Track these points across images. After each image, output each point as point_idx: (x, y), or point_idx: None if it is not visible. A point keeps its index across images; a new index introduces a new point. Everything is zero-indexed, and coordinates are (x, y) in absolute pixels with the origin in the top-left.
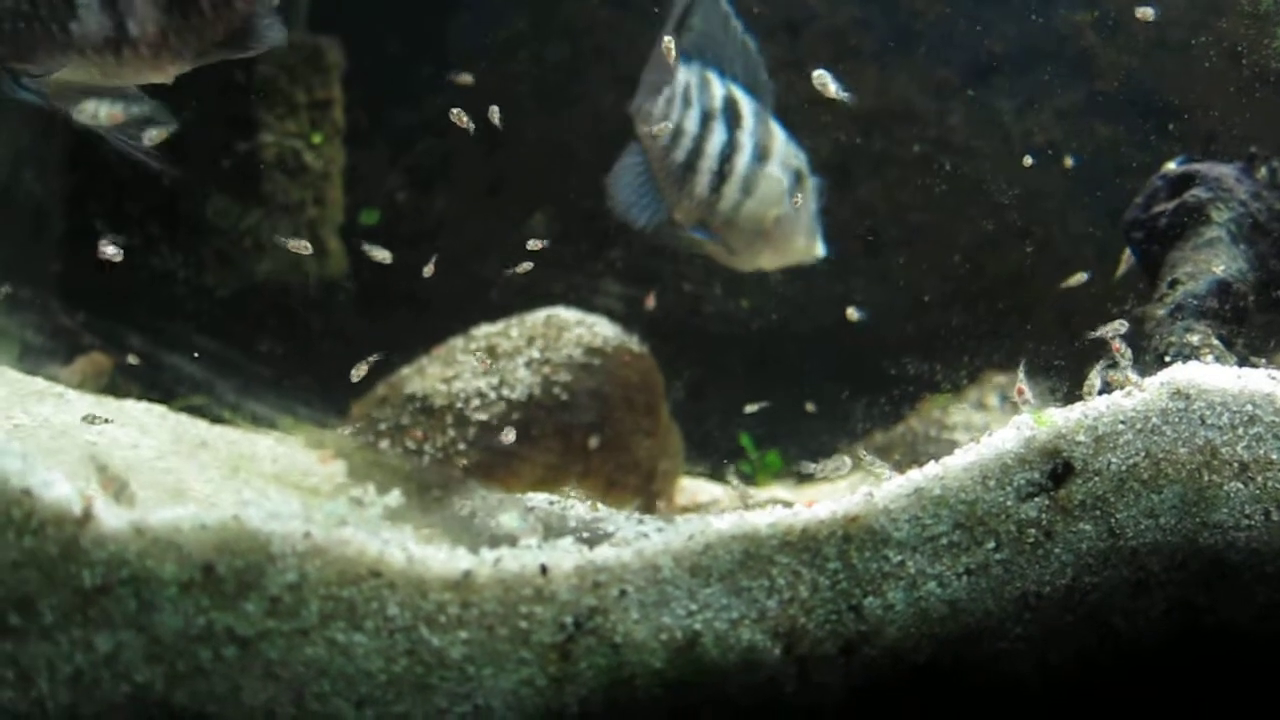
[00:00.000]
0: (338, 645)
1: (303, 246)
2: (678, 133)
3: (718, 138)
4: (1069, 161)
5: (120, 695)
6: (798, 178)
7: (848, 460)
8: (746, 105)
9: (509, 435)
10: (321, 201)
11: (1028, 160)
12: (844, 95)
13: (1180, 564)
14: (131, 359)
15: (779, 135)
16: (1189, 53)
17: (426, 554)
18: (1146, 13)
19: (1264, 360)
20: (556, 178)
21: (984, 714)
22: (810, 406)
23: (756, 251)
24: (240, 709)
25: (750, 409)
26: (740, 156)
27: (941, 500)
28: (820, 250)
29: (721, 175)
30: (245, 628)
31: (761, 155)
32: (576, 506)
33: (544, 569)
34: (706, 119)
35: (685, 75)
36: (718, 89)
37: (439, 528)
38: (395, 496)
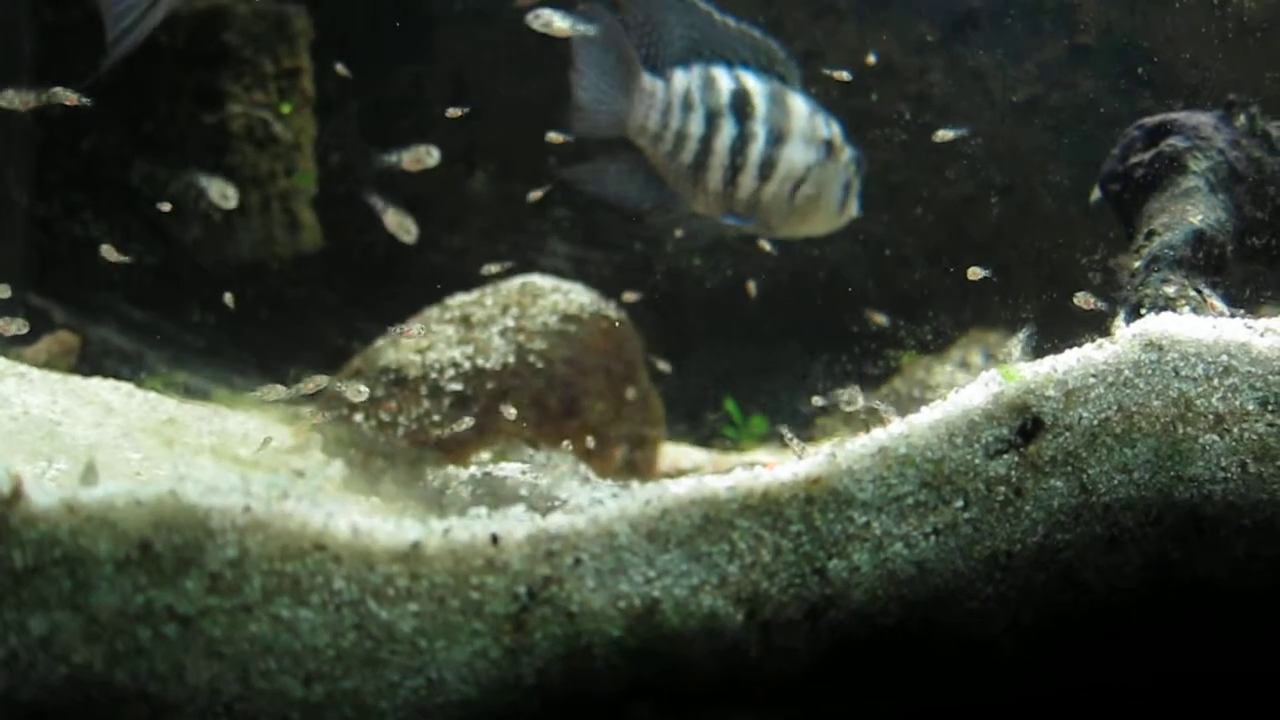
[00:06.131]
0: (282, 621)
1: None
2: (682, 136)
3: (727, 133)
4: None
5: (59, 677)
6: (829, 149)
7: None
8: (760, 93)
9: (465, 423)
10: (293, 173)
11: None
12: (580, 29)
13: (1155, 519)
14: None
15: (802, 112)
16: (1168, 2)
17: (373, 526)
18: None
19: (1242, 310)
20: (531, 143)
21: (955, 675)
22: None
23: (792, 224)
24: (184, 688)
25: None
26: (754, 145)
27: (907, 459)
28: (854, 212)
29: (735, 166)
30: (185, 605)
31: (778, 138)
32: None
33: (495, 538)
34: (712, 117)
35: (684, 80)
36: (725, 84)
37: (413, 500)
38: (338, 467)
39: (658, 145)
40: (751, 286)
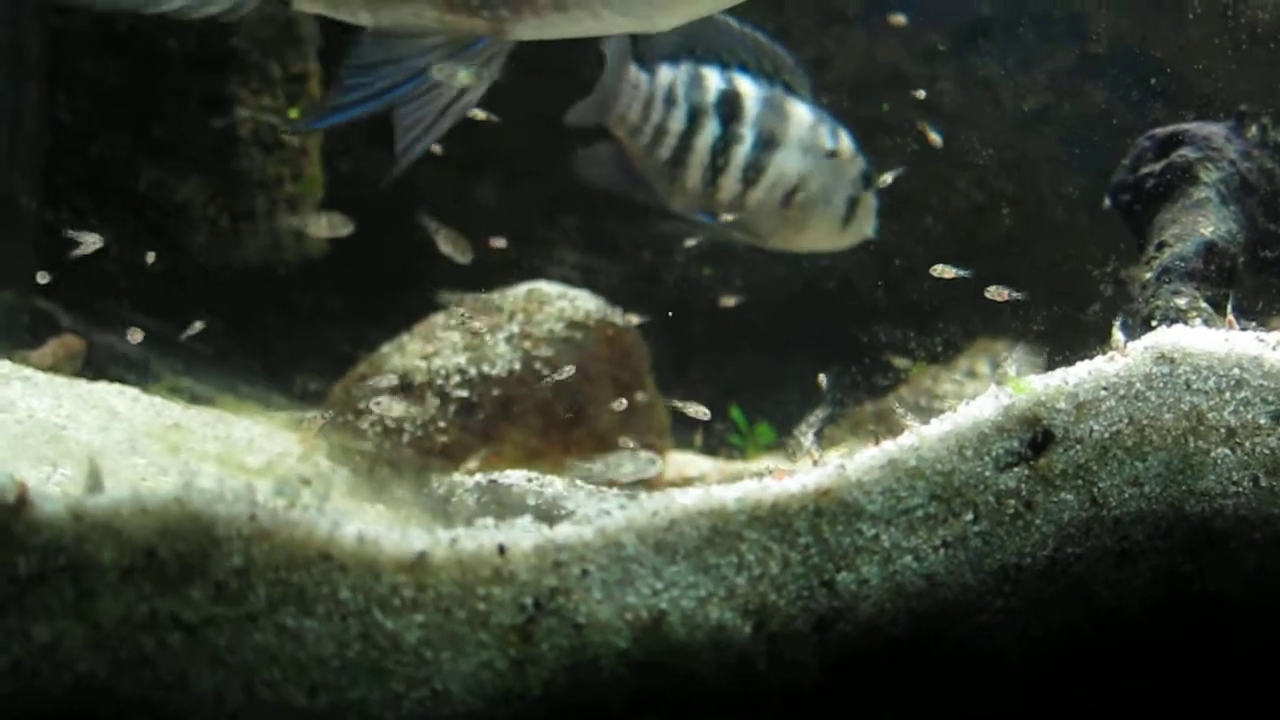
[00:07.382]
0: (287, 631)
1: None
2: (660, 131)
3: (709, 132)
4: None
5: (62, 685)
6: (832, 160)
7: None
8: (752, 96)
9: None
10: (299, 177)
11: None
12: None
13: (1166, 532)
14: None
15: (803, 121)
16: (1180, 12)
17: (379, 535)
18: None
19: (1254, 323)
20: (538, 149)
21: (964, 688)
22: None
23: (787, 236)
24: (188, 697)
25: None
26: (739, 147)
27: (917, 471)
28: (868, 231)
29: (717, 168)
30: (190, 614)
31: (768, 143)
32: (555, 483)
33: (502, 549)
34: (696, 115)
35: (669, 75)
36: (714, 83)
37: (416, 508)
38: (344, 475)
39: (636, 138)
40: (728, 300)
